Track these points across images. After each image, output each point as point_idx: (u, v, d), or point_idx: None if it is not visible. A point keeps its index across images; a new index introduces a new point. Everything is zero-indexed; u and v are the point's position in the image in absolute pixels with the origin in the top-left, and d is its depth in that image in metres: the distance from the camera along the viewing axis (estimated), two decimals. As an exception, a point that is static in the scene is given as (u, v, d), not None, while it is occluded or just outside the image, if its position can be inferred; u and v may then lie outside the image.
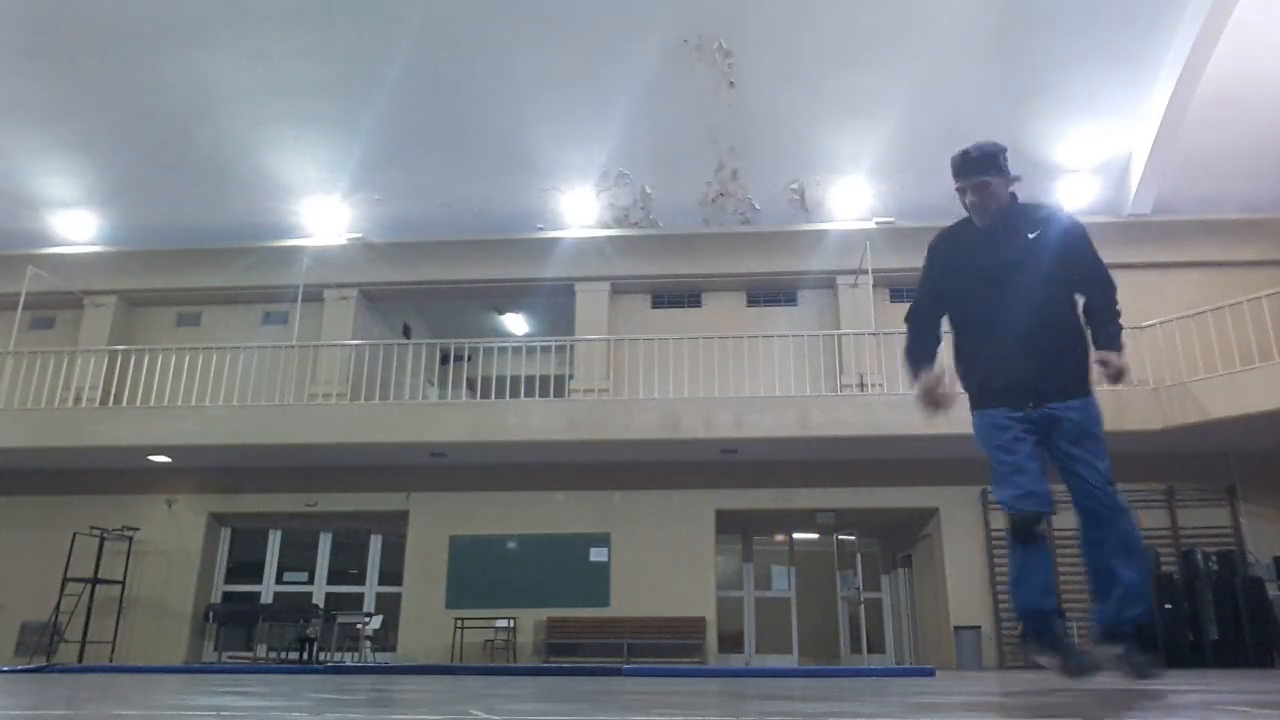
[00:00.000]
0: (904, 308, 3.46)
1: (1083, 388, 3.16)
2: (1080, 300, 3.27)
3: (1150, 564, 3.11)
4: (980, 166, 3.16)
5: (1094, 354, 3.18)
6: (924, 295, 3.37)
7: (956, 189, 3.22)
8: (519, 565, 11.55)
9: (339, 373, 12.18)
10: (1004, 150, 3.21)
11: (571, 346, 12.42)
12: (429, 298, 13.82)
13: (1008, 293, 3.16)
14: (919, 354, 3.30)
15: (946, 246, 3.34)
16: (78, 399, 11.84)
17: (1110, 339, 3.20)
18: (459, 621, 11.06)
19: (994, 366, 3.17)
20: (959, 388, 3.28)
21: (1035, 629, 3.10)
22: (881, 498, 11.38)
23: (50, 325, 13.43)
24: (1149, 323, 10.57)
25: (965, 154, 3.18)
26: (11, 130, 11.66)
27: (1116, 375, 3.14)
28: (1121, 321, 3.26)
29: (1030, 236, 3.19)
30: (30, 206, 12.64)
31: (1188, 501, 11.01)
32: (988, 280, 3.19)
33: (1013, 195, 3.24)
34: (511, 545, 11.67)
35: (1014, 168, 3.23)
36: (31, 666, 6.78)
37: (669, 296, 13.03)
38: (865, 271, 11.81)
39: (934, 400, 3.19)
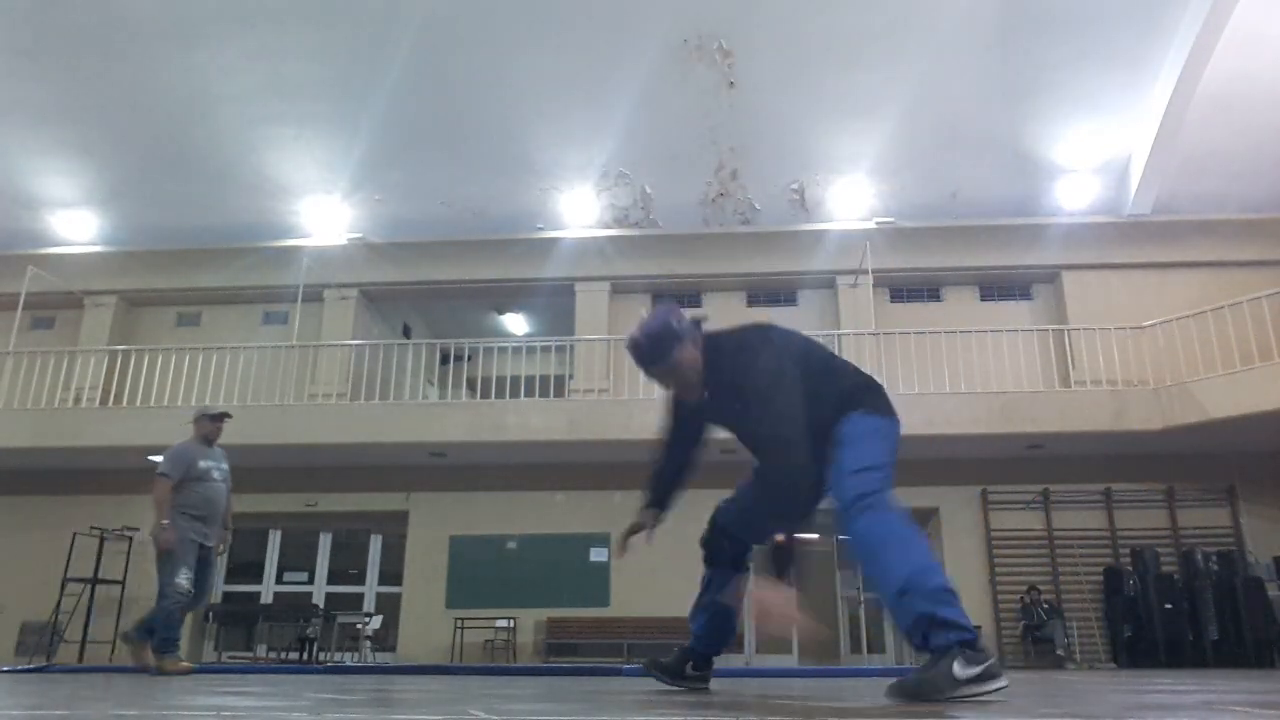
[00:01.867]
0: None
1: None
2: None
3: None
4: (656, 351, 2.85)
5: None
6: None
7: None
8: (519, 565, 11.54)
9: (339, 373, 12.17)
10: (668, 313, 2.90)
11: (571, 346, 12.42)
12: (429, 298, 13.82)
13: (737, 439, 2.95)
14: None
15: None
16: (78, 399, 11.84)
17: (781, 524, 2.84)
18: (459, 621, 11.05)
19: None
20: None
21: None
22: (881, 498, 11.35)
23: (50, 325, 13.43)
24: (1149, 323, 10.56)
25: (634, 345, 2.87)
26: (11, 130, 11.65)
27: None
28: (788, 504, 2.75)
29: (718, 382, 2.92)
30: (30, 206, 12.64)
31: (1188, 501, 11.01)
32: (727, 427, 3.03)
33: (706, 342, 2.90)
34: (511, 545, 11.66)
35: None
36: (31, 666, 6.78)
37: (669, 296, 13.02)
38: (865, 271, 11.80)
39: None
